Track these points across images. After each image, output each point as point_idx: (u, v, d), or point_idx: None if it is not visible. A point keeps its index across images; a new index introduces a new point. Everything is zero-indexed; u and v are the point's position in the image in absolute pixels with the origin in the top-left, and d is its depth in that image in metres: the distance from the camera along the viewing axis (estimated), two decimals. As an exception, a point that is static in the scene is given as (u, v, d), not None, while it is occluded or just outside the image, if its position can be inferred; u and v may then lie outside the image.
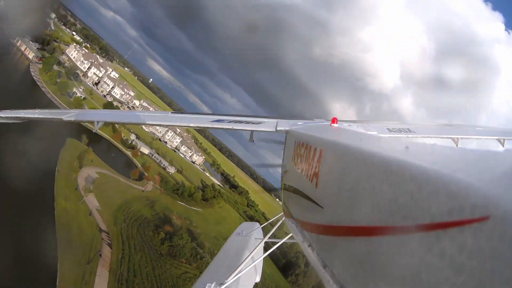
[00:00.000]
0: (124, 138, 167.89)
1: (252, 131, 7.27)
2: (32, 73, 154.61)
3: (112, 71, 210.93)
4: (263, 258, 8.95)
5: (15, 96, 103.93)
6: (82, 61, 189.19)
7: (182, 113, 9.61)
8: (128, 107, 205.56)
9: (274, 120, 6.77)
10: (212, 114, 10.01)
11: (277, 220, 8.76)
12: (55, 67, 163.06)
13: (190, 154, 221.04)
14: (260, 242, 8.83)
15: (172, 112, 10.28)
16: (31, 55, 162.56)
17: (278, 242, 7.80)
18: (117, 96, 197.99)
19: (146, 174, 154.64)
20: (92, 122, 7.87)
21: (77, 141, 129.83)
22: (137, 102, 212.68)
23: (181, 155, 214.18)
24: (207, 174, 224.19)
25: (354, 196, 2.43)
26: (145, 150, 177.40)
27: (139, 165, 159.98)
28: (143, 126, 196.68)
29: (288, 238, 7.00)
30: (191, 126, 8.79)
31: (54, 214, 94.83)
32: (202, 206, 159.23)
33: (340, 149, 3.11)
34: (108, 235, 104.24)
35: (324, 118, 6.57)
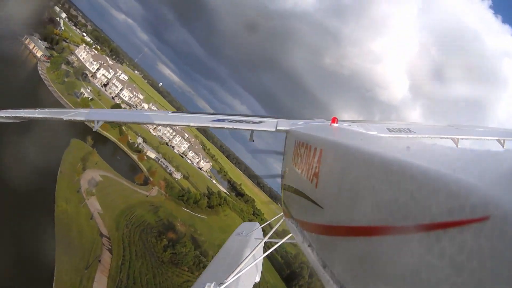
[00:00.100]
0: (131, 141, 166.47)
1: (252, 131, 7.25)
2: (40, 72, 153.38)
3: (121, 73, 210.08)
4: (263, 258, 8.87)
5: (21, 94, 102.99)
6: (91, 62, 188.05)
7: (182, 112, 9.71)
8: (136, 110, 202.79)
9: (275, 120, 6.79)
10: (213, 113, 9.65)
11: (277, 220, 8.69)
12: (64, 66, 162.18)
13: (198, 160, 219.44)
14: (260, 242, 8.77)
15: (172, 112, 10.12)
16: (39, 54, 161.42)
17: (278, 242, 7.64)
18: (126, 99, 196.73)
19: (151, 179, 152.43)
20: (92, 122, 7.69)
21: (82, 142, 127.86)
22: (145, 106, 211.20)
23: (188, 161, 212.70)
24: (214, 181, 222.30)
25: (354, 196, 2.45)
26: (152, 154, 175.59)
27: (145, 170, 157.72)
28: (150, 130, 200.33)
29: (288, 238, 6.83)
30: (192, 126, 8.68)
31: (54, 216, 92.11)
32: (207, 214, 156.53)
33: (340, 149, 3.13)
34: (109, 240, 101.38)
35: (325, 118, 6.41)
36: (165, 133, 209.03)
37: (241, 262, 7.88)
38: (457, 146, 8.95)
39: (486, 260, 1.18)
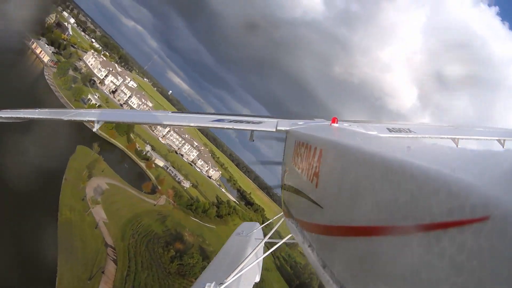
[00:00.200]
0: (139, 149, 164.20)
1: (252, 131, 7.27)
2: (46, 77, 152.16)
3: (130, 80, 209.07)
4: (263, 258, 8.81)
5: (27, 99, 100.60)
6: (99, 69, 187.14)
7: (182, 112, 10.17)
8: None
9: (275, 120, 6.83)
10: (213, 113, 9.64)
11: (277, 220, 8.57)
12: (71, 72, 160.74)
13: (207, 168, 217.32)
14: (260, 242, 8.73)
15: (172, 112, 9.85)
16: (46, 59, 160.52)
17: (278, 242, 7.53)
18: (134, 106, 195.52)
19: (159, 187, 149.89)
20: (92, 122, 7.59)
21: (88, 148, 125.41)
22: None
23: (198, 169, 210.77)
24: (223, 190, 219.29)
25: (354, 196, 2.46)
26: (160, 162, 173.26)
27: (153, 178, 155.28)
28: (159, 138, 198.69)
29: (288, 238, 6.77)
30: (191, 126, 8.43)
31: (56, 225, 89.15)
32: (216, 223, 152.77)
33: (340, 149, 3.16)
34: (114, 250, 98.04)
35: (325, 118, 6.45)
36: (174, 141, 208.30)
37: (241, 262, 7.84)
38: (457, 146, 8.92)
39: (486, 260, 1.18)
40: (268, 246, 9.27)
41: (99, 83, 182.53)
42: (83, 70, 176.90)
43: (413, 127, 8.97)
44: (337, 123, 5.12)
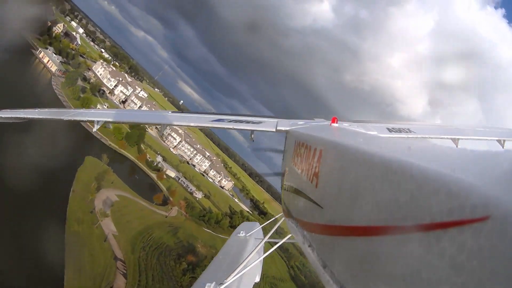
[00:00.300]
0: (150, 160, 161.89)
1: (252, 131, 7.33)
2: (54, 87, 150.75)
3: (140, 90, 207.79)
4: (263, 259, 8.86)
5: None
6: (108, 79, 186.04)
7: (182, 112, 10.31)
8: (156, 127, 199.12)
9: (275, 120, 6.88)
10: (213, 113, 9.28)
11: (277, 220, 8.49)
12: (80, 82, 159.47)
13: (219, 178, 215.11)
14: (260, 242, 8.73)
15: (172, 112, 10.07)
16: (53, 68, 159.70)
17: (278, 242, 7.47)
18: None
19: (171, 198, 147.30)
20: (92, 122, 7.59)
21: (97, 160, 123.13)
22: None
23: (210, 180, 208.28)
24: (236, 200, 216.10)
25: (354, 196, 2.48)
26: (172, 173, 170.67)
27: (164, 189, 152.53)
28: (170, 148, 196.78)
29: (288, 238, 6.79)
30: (191, 126, 8.65)
31: (64, 238, 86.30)
32: (229, 234, 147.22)
33: (340, 149, 3.18)
34: (123, 264, 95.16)
35: (325, 118, 6.45)
36: (186, 152, 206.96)
37: (242, 262, 7.82)
38: (457, 146, 8.94)
39: (486, 260, 1.18)
40: (268, 246, 9.13)
41: (108, 93, 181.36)
42: (92, 80, 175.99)
43: (413, 127, 8.98)
44: (337, 123, 5.11)
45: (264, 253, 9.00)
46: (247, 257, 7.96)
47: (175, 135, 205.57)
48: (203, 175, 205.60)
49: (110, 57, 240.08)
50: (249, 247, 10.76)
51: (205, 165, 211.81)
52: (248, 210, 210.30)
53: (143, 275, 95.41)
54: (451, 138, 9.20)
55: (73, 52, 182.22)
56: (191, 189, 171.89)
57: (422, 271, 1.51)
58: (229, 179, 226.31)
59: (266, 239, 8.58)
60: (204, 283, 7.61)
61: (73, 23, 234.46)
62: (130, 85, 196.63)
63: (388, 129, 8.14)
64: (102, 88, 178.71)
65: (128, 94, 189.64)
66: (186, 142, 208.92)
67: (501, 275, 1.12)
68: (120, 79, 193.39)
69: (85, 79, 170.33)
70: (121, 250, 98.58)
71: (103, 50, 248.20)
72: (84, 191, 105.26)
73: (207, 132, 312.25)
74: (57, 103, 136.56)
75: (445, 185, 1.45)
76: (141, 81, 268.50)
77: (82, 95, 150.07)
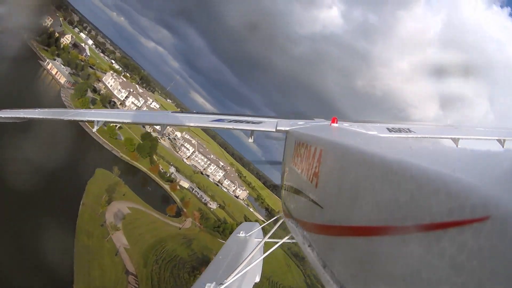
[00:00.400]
0: (162, 171, 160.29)
1: (252, 131, 7.39)
2: (63, 98, 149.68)
3: (152, 101, 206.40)
4: (263, 258, 8.75)
5: (42, 122, 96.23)
6: (119, 90, 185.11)
7: (182, 112, 9.84)
8: (169, 138, 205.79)
9: (275, 120, 6.89)
10: (212, 113, 9.45)
11: (277, 220, 8.47)
12: (90, 94, 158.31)
13: (234, 188, 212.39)
14: (260, 242, 8.79)
15: (172, 112, 10.07)
16: (62, 80, 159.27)
17: (278, 242, 7.52)
18: (157, 127, 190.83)
19: (184, 210, 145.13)
20: (92, 122, 7.66)
21: (108, 171, 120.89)
22: (178, 134, 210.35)
23: (224, 189, 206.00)
24: (251, 209, 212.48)
25: (354, 196, 2.49)
26: (185, 184, 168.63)
27: (178, 200, 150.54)
28: (184, 159, 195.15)
29: (288, 238, 6.85)
30: (191, 126, 8.55)
31: (73, 253, 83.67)
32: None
33: (340, 149, 3.21)
34: (135, 278, 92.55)
35: (325, 118, 6.42)
36: (199, 162, 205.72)
37: (241, 263, 7.85)
38: (457, 146, 8.98)
39: (486, 260, 1.18)
40: (268, 246, 8.74)
41: (119, 104, 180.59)
42: (102, 91, 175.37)
43: (413, 127, 9.02)
44: (337, 123, 5.12)
45: (264, 253, 8.87)
46: (247, 257, 7.93)
47: (188, 146, 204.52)
48: (217, 185, 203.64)
49: (120, 68, 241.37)
50: (249, 247, 10.56)
51: (219, 175, 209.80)
52: (263, 219, 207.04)
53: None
54: (451, 138, 9.21)
55: (82, 63, 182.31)
56: (205, 200, 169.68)
57: (422, 271, 1.52)
58: (244, 188, 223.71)
59: (266, 239, 8.52)
60: (204, 283, 7.55)
61: (82, 35, 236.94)
62: (141, 96, 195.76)
63: (388, 129, 8.12)
64: (112, 99, 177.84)
65: (139, 105, 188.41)
66: (200, 152, 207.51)
67: (501, 275, 1.12)
68: (131, 90, 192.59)
69: (95, 90, 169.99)
70: (133, 264, 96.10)
71: (113, 61, 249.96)
72: (94, 204, 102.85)
73: (221, 142, 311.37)
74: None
75: (445, 185, 1.45)
76: (153, 92, 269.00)
77: (92, 107, 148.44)
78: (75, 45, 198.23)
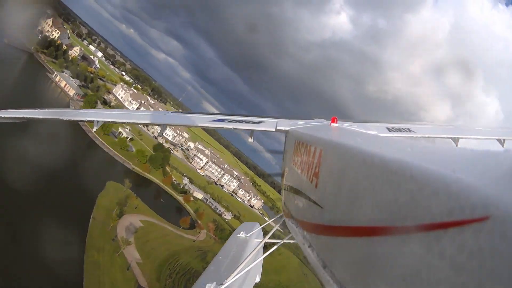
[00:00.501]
0: (176, 182, 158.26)
1: (252, 131, 7.45)
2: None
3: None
4: (263, 259, 8.75)
5: (52, 135, 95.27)
6: (130, 101, 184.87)
7: (182, 112, 10.82)
8: (182, 149, 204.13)
9: (274, 120, 6.95)
10: (213, 113, 9.79)
11: (277, 220, 8.23)
12: (100, 106, 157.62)
13: (248, 197, 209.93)
14: (260, 242, 8.70)
15: (172, 112, 10.51)
16: (71, 92, 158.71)
17: (278, 243, 7.64)
18: (169, 138, 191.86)
19: (199, 221, 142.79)
20: (91, 122, 7.63)
21: (119, 184, 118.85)
22: (191, 144, 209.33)
23: (239, 199, 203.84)
24: (266, 218, 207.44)
25: (354, 196, 2.51)
26: (199, 195, 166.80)
27: (192, 212, 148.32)
28: (197, 170, 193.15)
29: (288, 238, 6.92)
30: (191, 126, 8.89)
31: (82, 269, 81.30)
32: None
33: (340, 149, 3.21)
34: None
35: (325, 118, 6.52)
36: (213, 172, 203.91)
37: (242, 263, 7.82)
38: (457, 146, 9.03)
39: (486, 260, 1.19)
40: (268, 246, 8.71)
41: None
42: (112, 103, 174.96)
43: (413, 127, 9.02)
44: (336, 123, 5.13)
45: (264, 253, 8.73)
46: (247, 257, 7.89)
47: (201, 156, 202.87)
48: (232, 195, 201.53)
49: (131, 80, 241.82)
50: (249, 247, 10.46)
51: (233, 185, 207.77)
52: (279, 228, 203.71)
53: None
54: (451, 138, 9.24)
55: (92, 75, 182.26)
56: (219, 211, 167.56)
57: (422, 271, 1.52)
58: (259, 197, 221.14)
59: (266, 239, 8.35)
60: (204, 283, 7.50)
61: (91, 47, 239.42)
62: (153, 107, 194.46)
63: (388, 129, 8.14)
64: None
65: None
66: (213, 162, 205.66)
67: (501, 275, 1.12)
68: (142, 101, 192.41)
69: (105, 102, 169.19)
70: (146, 279, 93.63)
71: (123, 73, 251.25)
72: (105, 218, 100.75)
73: (235, 152, 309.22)
74: (76, 128, 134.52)
75: (445, 185, 1.45)
76: (165, 103, 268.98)
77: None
78: (84, 58, 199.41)
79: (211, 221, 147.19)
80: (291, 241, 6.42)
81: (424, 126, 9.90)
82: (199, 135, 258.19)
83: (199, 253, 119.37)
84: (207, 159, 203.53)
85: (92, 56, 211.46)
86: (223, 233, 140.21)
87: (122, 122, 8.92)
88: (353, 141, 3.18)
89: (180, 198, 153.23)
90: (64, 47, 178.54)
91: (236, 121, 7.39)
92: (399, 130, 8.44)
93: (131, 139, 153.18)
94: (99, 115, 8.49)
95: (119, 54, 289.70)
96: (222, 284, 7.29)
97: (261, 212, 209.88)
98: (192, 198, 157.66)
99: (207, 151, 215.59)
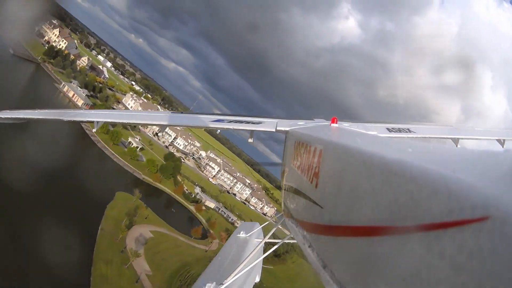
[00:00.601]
0: (187, 192, 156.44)
1: (252, 131, 7.52)
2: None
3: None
4: (263, 259, 8.84)
5: (61, 146, 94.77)
6: (140, 111, 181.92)
7: (182, 112, 10.94)
8: (193, 158, 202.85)
9: (274, 120, 6.97)
10: (212, 114, 9.15)
11: (277, 220, 8.57)
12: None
13: (261, 205, 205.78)
14: (260, 242, 8.87)
15: (172, 112, 10.57)
16: (80, 102, 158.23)
17: (278, 243, 7.68)
18: (180, 147, 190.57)
19: (211, 231, 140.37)
20: (92, 122, 7.69)
21: (129, 194, 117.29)
22: (203, 153, 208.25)
23: (252, 207, 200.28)
24: (280, 226, 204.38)
25: (354, 196, 2.51)
26: (211, 204, 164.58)
27: (204, 221, 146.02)
28: (209, 178, 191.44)
29: (288, 238, 7.04)
30: (191, 126, 9.51)
31: (90, 281, 79.44)
32: (274, 263, 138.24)
33: (340, 149, 3.21)
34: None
35: (325, 118, 6.53)
36: (225, 181, 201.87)
37: (241, 263, 7.88)
38: (457, 146, 9.10)
39: (486, 260, 1.19)
40: (268, 246, 8.99)
41: (141, 125, 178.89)
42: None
43: (413, 127, 9.08)
44: (336, 123, 5.14)
45: (264, 253, 8.80)
46: (247, 257, 7.94)
47: (213, 165, 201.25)
48: (245, 204, 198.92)
49: (141, 90, 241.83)
50: (249, 247, 10.59)
51: (246, 193, 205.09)
52: (293, 236, 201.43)
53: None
54: (451, 138, 9.28)
55: (100, 85, 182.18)
56: (232, 219, 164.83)
57: (422, 271, 1.52)
58: (271, 205, 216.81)
59: (266, 239, 8.46)
60: (204, 283, 7.59)
61: (100, 57, 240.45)
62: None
63: (388, 129, 8.24)
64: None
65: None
66: (225, 171, 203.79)
67: (501, 275, 1.12)
68: (152, 111, 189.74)
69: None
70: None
71: (133, 83, 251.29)
72: (114, 229, 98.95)
73: (247, 159, 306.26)
74: (85, 138, 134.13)
75: (445, 185, 1.45)
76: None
77: (111, 128, 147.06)
78: (93, 68, 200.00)
79: (224, 230, 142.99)
80: (291, 241, 6.61)
81: (424, 127, 9.89)
82: (210, 144, 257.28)
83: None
84: (219, 168, 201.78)
85: (100, 66, 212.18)
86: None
87: (122, 122, 8.74)
88: (353, 141, 3.19)
89: (191, 207, 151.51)
90: (72, 57, 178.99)
91: (236, 122, 7.38)
92: (399, 130, 8.47)
93: (141, 149, 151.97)
94: (99, 115, 8.47)
95: (128, 64, 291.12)
96: (222, 284, 7.35)
97: (274, 220, 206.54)
98: (204, 207, 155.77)
99: (219, 159, 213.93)
